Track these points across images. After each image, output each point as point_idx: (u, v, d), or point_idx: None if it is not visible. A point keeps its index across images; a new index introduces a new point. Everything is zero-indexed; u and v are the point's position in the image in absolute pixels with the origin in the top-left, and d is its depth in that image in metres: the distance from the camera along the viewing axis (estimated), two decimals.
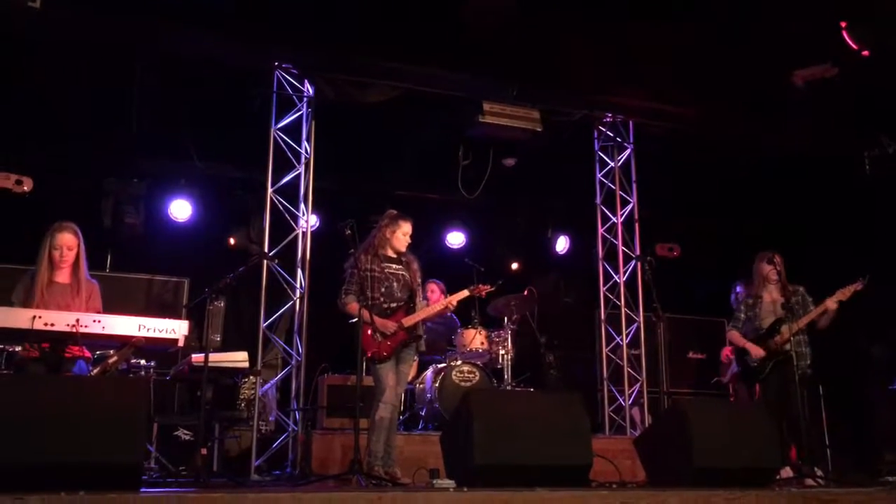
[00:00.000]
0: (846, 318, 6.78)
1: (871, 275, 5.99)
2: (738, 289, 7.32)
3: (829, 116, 7.89)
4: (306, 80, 7.23)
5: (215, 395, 5.96)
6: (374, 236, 5.61)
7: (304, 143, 7.16)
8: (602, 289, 8.38)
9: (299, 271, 6.91)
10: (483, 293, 5.82)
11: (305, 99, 7.22)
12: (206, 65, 6.95)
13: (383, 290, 5.45)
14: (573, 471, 4.37)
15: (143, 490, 3.59)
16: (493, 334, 7.41)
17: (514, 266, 9.72)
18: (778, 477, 5.11)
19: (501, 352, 7.37)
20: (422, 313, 5.53)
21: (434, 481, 4.42)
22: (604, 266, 8.43)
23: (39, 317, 4.26)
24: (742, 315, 6.40)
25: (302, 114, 7.20)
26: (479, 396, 4.90)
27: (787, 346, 5.99)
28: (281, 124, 7.08)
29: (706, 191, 8.93)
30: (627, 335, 8.13)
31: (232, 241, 8.51)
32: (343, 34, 6.77)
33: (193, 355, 5.76)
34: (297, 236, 6.98)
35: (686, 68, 7.38)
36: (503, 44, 7.05)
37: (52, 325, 4.27)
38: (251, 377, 6.43)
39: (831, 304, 6.01)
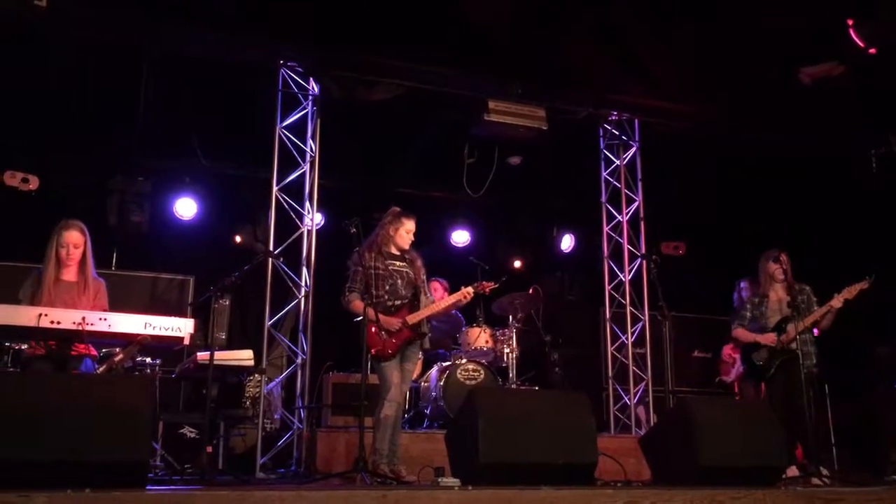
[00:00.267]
0: (852, 318, 6.77)
1: (876, 274, 5.97)
2: (743, 287, 7.30)
3: (835, 115, 7.86)
4: (311, 79, 7.23)
5: (220, 393, 5.97)
6: (377, 234, 5.59)
7: (310, 142, 7.17)
8: (607, 287, 8.37)
9: (304, 269, 6.92)
10: (487, 290, 5.81)
11: (311, 97, 7.22)
12: (212, 63, 6.95)
13: (387, 287, 5.44)
14: (578, 469, 4.37)
15: (148, 487, 3.60)
16: (497, 333, 7.41)
17: (517, 264, 9.70)
18: (784, 476, 5.10)
19: (506, 350, 7.36)
20: (426, 311, 5.51)
21: (439, 479, 4.42)
22: (609, 264, 8.42)
23: (46, 315, 4.27)
24: (748, 314, 6.38)
25: (307, 112, 7.20)
26: (484, 395, 4.89)
27: (794, 345, 5.97)
28: (286, 122, 7.09)
29: (711, 189, 8.91)
30: (633, 334, 8.13)
31: (238, 238, 8.52)
32: (348, 32, 6.77)
33: (199, 353, 5.76)
34: (301, 234, 6.98)
35: (692, 66, 7.36)
36: (509, 42, 7.05)
37: (59, 322, 4.28)
38: (256, 375, 6.44)
39: (837, 302, 5.99)
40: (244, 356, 5.85)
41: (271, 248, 6.73)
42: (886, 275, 6.07)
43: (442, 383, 6.85)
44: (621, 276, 8.27)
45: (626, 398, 8.06)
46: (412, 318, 5.41)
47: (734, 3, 6.87)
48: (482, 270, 6.76)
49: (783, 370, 6.08)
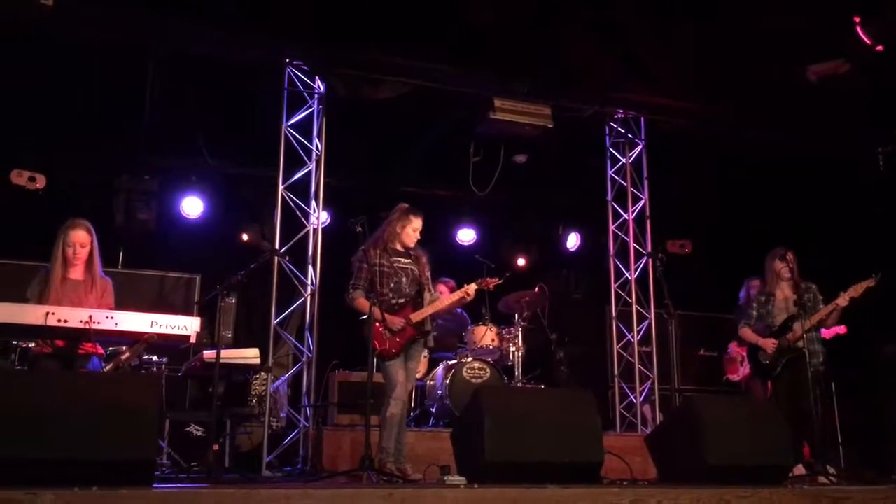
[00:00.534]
0: (859, 316, 6.75)
1: (883, 272, 5.95)
2: (753, 285, 7.28)
3: (842, 112, 7.84)
4: (317, 77, 7.24)
5: (227, 392, 5.98)
6: (383, 230, 5.56)
7: (315, 140, 7.17)
8: (613, 285, 8.36)
9: (310, 268, 6.93)
10: (491, 286, 5.81)
11: (316, 96, 7.22)
12: (217, 62, 6.96)
13: (392, 285, 5.42)
14: (584, 468, 4.37)
15: (155, 485, 3.61)
16: (503, 331, 7.40)
17: (521, 262, 9.70)
18: (790, 475, 5.09)
19: (512, 349, 7.36)
20: (429, 308, 5.49)
21: (445, 478, 4.43)
22: (615, 263, 8.41)
23: (53, 313, 4.28)
24: (754, 312, 6.37)
25: (313, 110, 7.21)
26: (489, 393, 4.90)
27: (800, 344, 5.95)
28: (292, 121, 7.09)
29: (718, 187, 8.89)
30: (639, 332, 8.12)
31: (245, 237, 8.53)
32: (354, 31, 6.77)
33: (205, 352, 5.78)
34: (307, 233, 6.99)
35: (698, 64, 7.34)
36: (514, 40, 7.04)
37: (66, 321, 4.29)
38: (262, 374, 6.45)
39: (843, 301, 5.97)
40: (250, 354, 5.86)
41: (277, 247, 6.74)
42: (893, 273, 6.04)
43: (448, 381, 6.86)
44: (627, 274, 8.26)
45: (631, 397, 8.05)
46: (416, 317, 5.39)
47: (738, 0, 6.85)
48: (488, 268, 6.76)
49: (789, 369, 6.06)
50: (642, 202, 8.37)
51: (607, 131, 8.49)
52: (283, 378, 7.04)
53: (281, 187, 6.92)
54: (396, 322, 5.31)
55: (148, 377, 5.33)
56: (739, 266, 7.72)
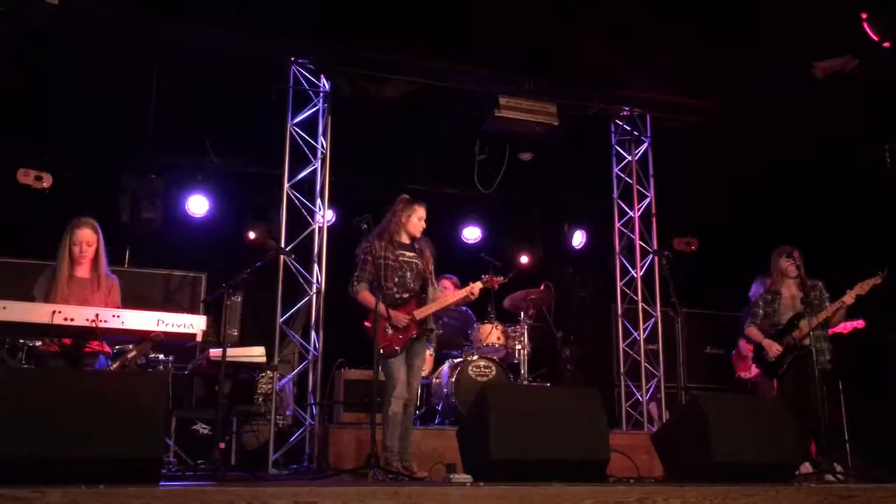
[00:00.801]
0: (867, 314, 6.73)
1: (889, 269, 5.93)
2: (760, 283, 7.25)
3: (848, 109, 7.81)
4: (322, 76, 7.24)
5: (233, 390, 5.99)
6: (388, 221, 5.51)
7: (321, 139, 7.18)
8: (619, 283, 8.35)
9: (315, 266, 6.93)
10: (495, 285, 5.79)
11: (322, 94, 7.23)
12: (223, 61, 6.97)
13: (396, 279, 5.38)
14: (590, 466, 4.36)
15: (162, 483, 3.61)
16: (509, 329, 7.40)
17: (524, 259, 9.69)
18: (797, 473, 5.07)
19: (518, 347, 7.35)
20: (433, 306, 5.47)
21: (451, 476, 4.43)
22: (621, 260, 8.40)
23: (59, 312, 4.29)
24: (760, 311, 6.35)
25: (318, 109, 7.22)
26: (495, 391, 4.89)
27: (807, 341, 5.94)
28: (297, 119, 7.10)
29: (724, 185, 8.87)
30: (644, 330, 8.11)
31: (252, 235, 8.54)
32: (359, 29, 6.77)
33: (211, 350, 5.79)
34: (313, 231, 7.00)
35: (704, 61, 7.33)
36: (519, 37, 7.03)
37: (72, 319, 4.30)
38: (268, 372, 6.46)
39: (849, 298, 5.95)
40: (256, 353, 5.87)
41: (283, 245, 6.75)
42: None
43: (454, 380, 6.85)
44: (633, 272, 8.26)
45: (638, 395, 8.04)
46: (419, 313, 5.37)
47: None
48: (493, 267, 6.75)
49: (796, 366, 6.05)
50: (648, 200, 8.36)
51: (613, 129, 8.48)
52: (288, 376, 7.05)
53: (286, 186, 6.92)
54: (401, 318, 5.28)
55: (154, 375, 5.35)
56: (746, 263, 7.69)
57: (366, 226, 5.27)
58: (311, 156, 7.09)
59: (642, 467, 5.55)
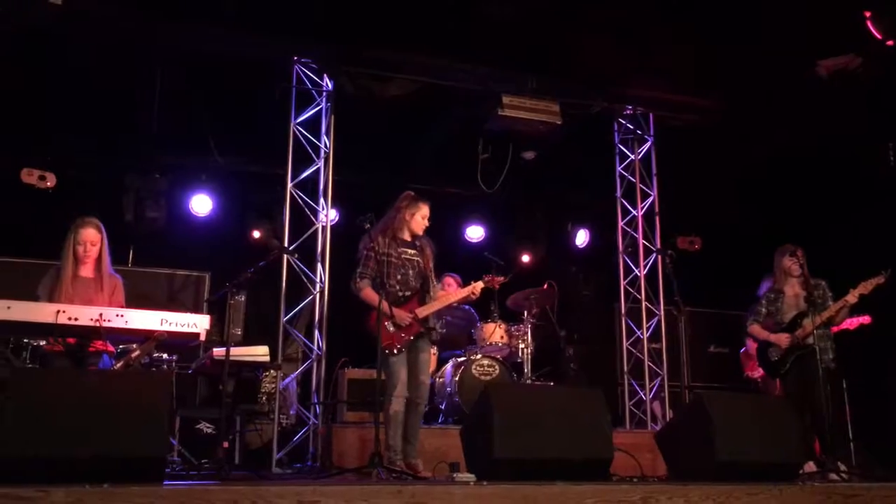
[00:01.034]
0: (871, 312, 6.72)
1: (893, 268, 5.91)
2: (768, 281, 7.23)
3: (852, 107, 7.80)
4: (325, 75, 7.24)
5: (236, 389, 5.99)
6: (392, 217, 5.50)
7: (324, 138, 7.18)
8: (622, 282, 8.35)
9: (319, 265, 6.94)
10: (497, 285, 5.79)
11: (325, 93, 7.23)
12: (226, 60, 6.98)
13: (399, 276, 5.37)
14: (594, 465, 4.36)
15: (166, 483, 3.61)
16: (512, 328, 7.40)
17: (525, 258, 9.69)
18: (801, 472, 5.07)
19: (521, 346, 7.35)
20: (435, 304, 5.47)
21: (454, 475, 4.42)
22: (624, 259, 8.40)
23: (63, 311, 4.30)
24: (763, 309, 6.34)
25: (321, 108, 7.22)
26: (499, 390, 4.89)
27: (810, 340, 5.93)
28: (300, 119, 7.10)
29: (727, 184, 8.86)
30: (648, 329, 8.10)
31: (257, 234, 8.55)
32: (362, 28, 6.77)
33: (215, 349, 5.80)
34: (316, 231, 7.00)
35: (707, 60, 7.32)
36: (522, 36, 7.03)
37: (76, 319, 4.31)
38: (272, 371, 6.47)
39: (852, 298, 5.94)
40: (260, 352, 5.87)
41: (286, 245, 6.75)
42: None
43: (457, 379, 6.86)
44: (636, 270, 8.25)
45: (641, 393, 8.04)
46: (421, 312, 5.37)
47: None
48: (496, 266, 6.75)
49: (799, 365, 6.04)
50: (651, 198, 8.35)
51: (616, 128, 8.47)
52: (292, 375, 7.06)
53: (290, 185, 6.93)
54: (404, 317, 5.27)
55: (158, 375, 5.35)
56: (749, 262, 7.68)
57: (369, 225, 5.27)
58: (314, 155, 7.09)
59: (646, 466, 5.55)
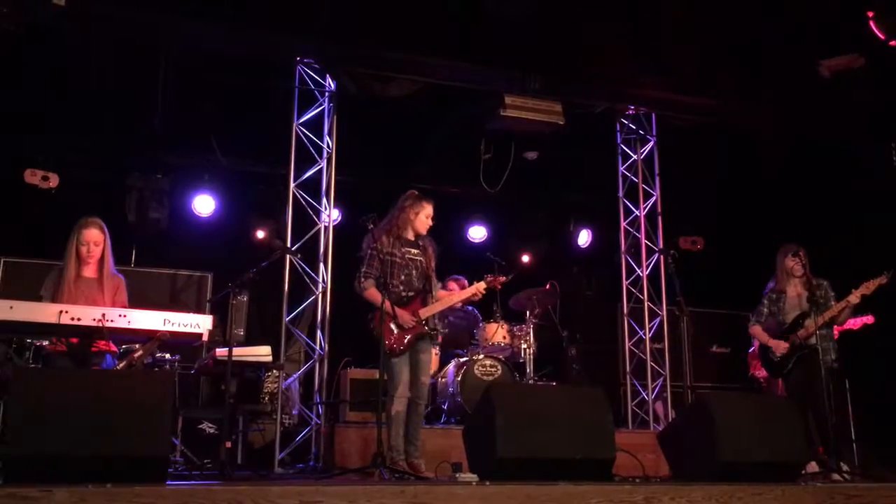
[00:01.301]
0: (874, 312, 6.71)
1: (895, 269, 5.90)
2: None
3: (855, 107, 7.79)
4: (328, 75, 7.24)
5: (239, 389, 6.00)
6: (396, 216, 5.49)
7: (326, 138, 7.18)
8: (625, 282, 8.35)
9: (321, 266, 6.94)
10: (498, 285, 5.79)
11: (327, 93, 7.23)
12: (229, 60, 6.98)
13: (403, 277, 5.38)
14: (596, 465, 4.36)
15: (168, 483, 3.62)
16: (514, 328, 7.40)
17: (525, 258, 9.69)
18: (804, 472, 5.06)
19: (523, 346, 7.35)
20: (438, 305, 5.47)
21: (457, 475, 4.42)
22: (626, 259, 8.39)
23: (66, 311, 4.30)
24: (765, 309, 6.33)
25: (324, 108, 7.22)
26: (501, 390, 4.89)
27: (812, 340, 5.92)
28: (303, 119, 7.10)
29: (730, 183, 8.86)
30: (650, 329, 8.10)
31: (261, 234, 8.56)
32: (364, 28, 6.77)
33: (217, 349, 5.80)
34: (319, 231, 7.00)
35: (710, 60, 7.31)
36: (525, 36, 7.02)
37: (79, 319, 4.31)
38: (274, 371, 6.47)
39: (855, 298, 5.93)
40: (262, 352, 5.88)
41: (289, 245, 6.76)
42: None
43: (459, 379, 6.86)
44: (639, 271, 8.24)
45: (643, 394, 8.03)
46: (424, 313, 5.37)
47: None
48: (498, 266, 6.74)
49: (801, 365, 6.04)
50: (654, 199, 8.34)
51: (618, 128, 8.46)
52: (294, 375, 7.06)
53: (292, 185, 6.93)
54: (407, 318, 5.28)
55: (161, 375, 5.36)
56: (751, 262, 7.68)
57: (371, 225, 5.28)
58: (316, 155, 7.09)
59: (648, 466, 5.54)
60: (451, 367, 7.16)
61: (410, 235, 5.50)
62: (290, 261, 6.72)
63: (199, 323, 4.60)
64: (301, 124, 7.08)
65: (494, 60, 7.27)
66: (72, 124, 7.46)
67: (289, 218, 6.90)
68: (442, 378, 7.24)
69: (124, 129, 7.69)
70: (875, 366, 7.96)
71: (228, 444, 5.06)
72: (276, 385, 6.61)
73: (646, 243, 8.24)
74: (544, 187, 9.37)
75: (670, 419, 7.65)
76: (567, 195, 9.67)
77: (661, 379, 8.00)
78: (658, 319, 8.15)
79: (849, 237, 8.30)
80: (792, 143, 8.45)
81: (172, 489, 3.28)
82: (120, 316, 4.42)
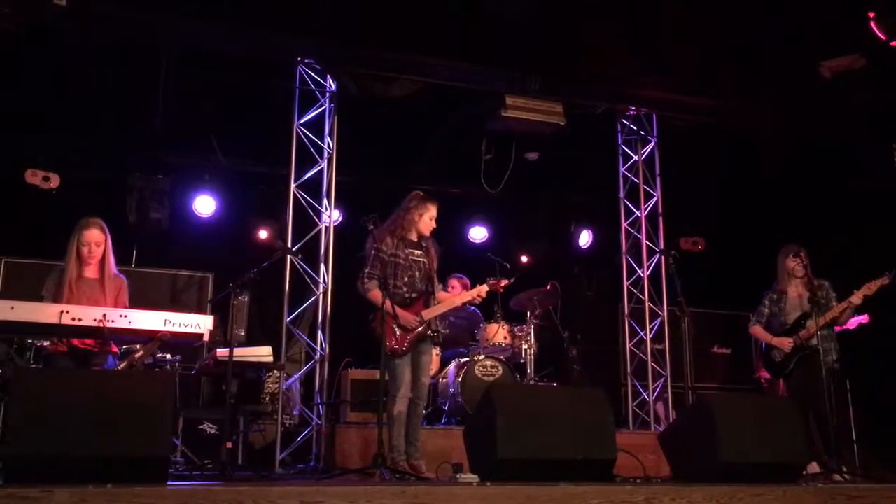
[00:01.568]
0: (875, 313, 6.70)
1: None
2: None
3: (856, 108, 7.79)
4: (329, 75, 7.25)
5: (240, 390, 6.00)
6: (400, 217, 5.48)
7: (327, 138, 7.19)
8: (625, 283, 8.35)
9: (322, 266, 6.94)
10: (501, 288, 5.79)
11: (328, 94, 7.24)
12: (230, 61, 6.98)
13: (406, 278, 5.37)
14: (597, 466, 4.36)
15: (169, 483, 3.62)
16: (515, 329, 7.39)
17: (524, 259, 9.68)
18: (805, 472, 5.06)
19: (524, 346, 7.35)
20: (440, 307, 5.47)
21: (458, 475, 4.43)
22: (627, 260, 8.39)
23: (67, 312, 4.31)
24: (766, 310, 6.32)
25: (324, 109, 7.22)
26: (502, 391, 4.89)
27: (814, 341, 5.92)
28: (304, 119, 7.11)
29: (731, 184, 8.86)
30: (651, 329, 8.10)
31: (263, 234, 8.56)
32: (365, 28, 6.78)
33: (218, 350, 5.80)
34: (319, 231, 7.00)
35: (710, 60, 7.31)
36: (526, 37, 7.03)
37: (80, 320, 4.32)
38: (275, 371, 6.46)
39: (856, 299, 5.93)
40: (263, 352, 5.88)
41: (289, 245, 6.76)
42: None
43: (460, 379, 6.86)
44: (640, 271, 8.24)
45: (644, 394, 8.03)
46: (427, 314, 5.37)
47: None
48: (499, 267, 6.74)
49: (803, 366, 6.03)
50: (655, 199, 8.34)
51: (619, 128, 8.46)
52: (295, 376, 7.06)
53: (293, 186, 6.93)
54: (410, 320, 5.28)
55: (161, 375, 5.35)
56: (752, 263, 7.68)
57: (372, 226, 5.27)
58: (317, 155, 7.10)
59: (649, 467, 5.53)
60: (451, 367, 7.16)
61: (414, 237, 5.49)
62: (291, 261, 6.72)
63: (200, 323, 4.60)
64: (302, 125, 7.08)
65: (495, 60, 7.27)
66: (72, 124, 7.47)
67: (289, 218, 6.90)
68: (443, 378, 7.24)
69: (125, 129, 7.69)
70: (876, 366, 7.96)
71: (229, 445, 5.05)
72: (276, 385, 6.61)
73: (647, 244, 8.24)
74: (545, 188, 9.37)
75: (671, 420, 7.64)
76: (568, 196, 9.67)
77: (662, 379, 7.99)
78: (659, 320, 8.15)
79: (849, 237, 8.29)
80: (792, 144, 8.45)
81: (173, 489, 3.28)
82: (121, 316, 4.42)
